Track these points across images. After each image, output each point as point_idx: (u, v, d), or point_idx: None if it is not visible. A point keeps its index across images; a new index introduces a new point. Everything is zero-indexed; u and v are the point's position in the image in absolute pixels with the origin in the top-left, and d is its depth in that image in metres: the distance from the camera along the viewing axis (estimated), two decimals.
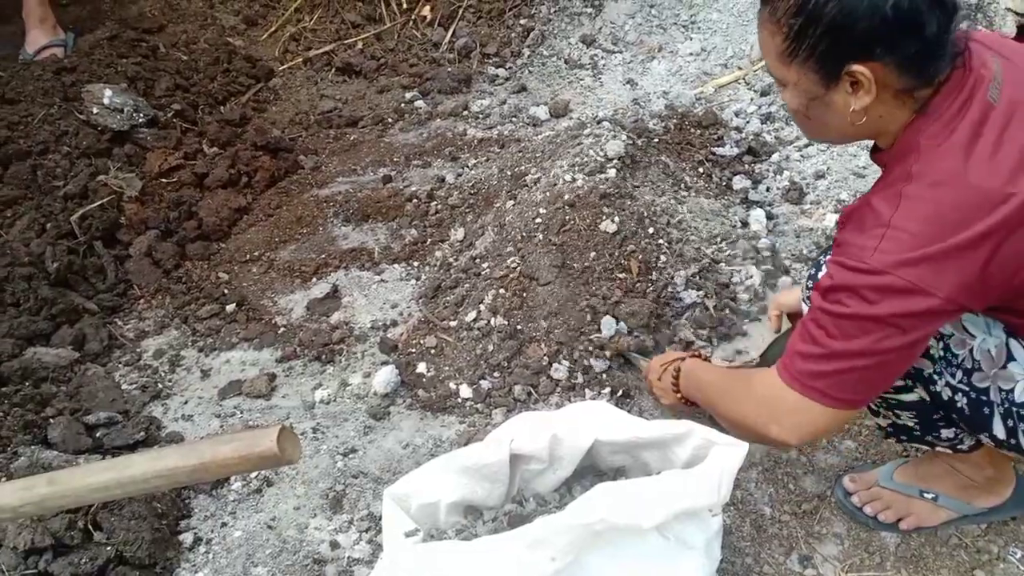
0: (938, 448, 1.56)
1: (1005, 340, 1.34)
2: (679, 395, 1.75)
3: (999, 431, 1.37)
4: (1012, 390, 1.33)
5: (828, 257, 1.38)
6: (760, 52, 1.41)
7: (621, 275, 2.09)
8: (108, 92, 2.77)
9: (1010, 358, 1.33)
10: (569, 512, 1.29)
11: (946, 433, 1.52)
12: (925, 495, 1.67)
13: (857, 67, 1.22)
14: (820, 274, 1.46)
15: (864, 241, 1.24)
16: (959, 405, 1.39)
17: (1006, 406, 1.34)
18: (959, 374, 1.37)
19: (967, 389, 1.37)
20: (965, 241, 1.18)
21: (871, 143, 1.39)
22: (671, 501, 1.32)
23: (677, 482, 1.35)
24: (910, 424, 1.53)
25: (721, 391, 1.58)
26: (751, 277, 2.20)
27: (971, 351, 1.35)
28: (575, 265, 2.09)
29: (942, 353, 1.38)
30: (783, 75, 1.31)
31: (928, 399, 1.44)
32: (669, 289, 2.12)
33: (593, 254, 2.10)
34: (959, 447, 1.54)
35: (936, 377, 1.39)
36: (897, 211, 1.22)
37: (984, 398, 1.36)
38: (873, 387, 1.34)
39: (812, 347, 1.30)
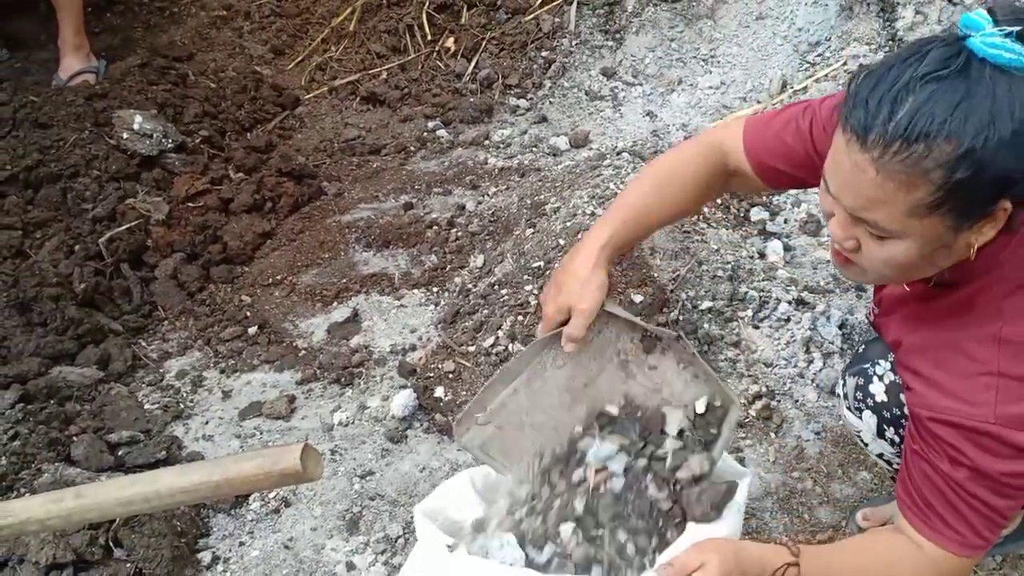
0: None
1: None
2: None
3: None
4: None
5: (918, 407, 1.24)
6: (852, 196, 1.14)
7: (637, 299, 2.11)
8: (138, 118, 2.84)
9: None
10: None
11: None
12: None
13: (1006, 204, 1.08)
14: (851, 389, 1.44)
15: (973, 395, 1.16)
16: None
17: None
18: None
19: None
20: None
21: None
22: None
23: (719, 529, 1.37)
24: None
25: None
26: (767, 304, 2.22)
27: None
28: None
29: None
30: (903, 228, 1.11)
31: None
32: (683, 317, 2.14)
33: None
34: None
35: None
36: (1002, 358, 1.15)
37: None
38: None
39: (981, 517, 1.20)
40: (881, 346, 1.45)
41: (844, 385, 1.52)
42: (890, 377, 1.41)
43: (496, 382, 1.57)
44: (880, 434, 1.43)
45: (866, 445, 1.49)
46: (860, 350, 1.54)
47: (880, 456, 1.48)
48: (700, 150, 1.53)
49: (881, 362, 1.43)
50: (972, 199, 1.07)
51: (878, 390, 1.41)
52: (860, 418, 1.46)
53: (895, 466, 1.45)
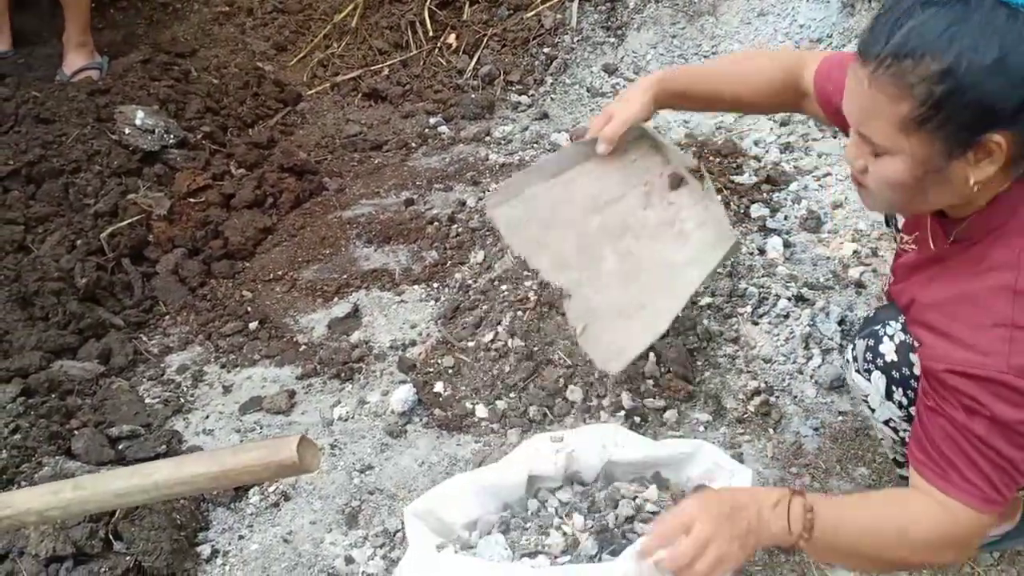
0: None
1: None
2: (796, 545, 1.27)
3: None
4: None
5: (932, 361, 1.26)
6: (855, 111, 1.22)
7: None
8: (140, 114, 2.85)
9: None
10: (622, 559, 1.32)
11: None
12: None
13: (997, 136, 1.11)
14: (860, 351, 1.45)
15: (987, 346, 1.17)
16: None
17: None
18: None
19: None
20: None
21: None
22: None
23: None
24: None
25: (874, 543, 1.28)
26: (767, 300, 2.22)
27: None
28: None
29: None
30: (895, 144, 1.17)
31: None
32: (682, 312, 2.15)
33: None
34: None
35: None
36: (1017, 309, 1.16)
37: None
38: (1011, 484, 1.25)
39: (997, 470, 1.21)
40: (893, 309, 1.45)
41: (853, 349, 1.51)
42: (900, 337, 1.40)
43: (532, 173, 1.75)
44: (888, 395, 1.42)
45: (873, 411, 1.47)
46: (871, 315, 1.54)
47: (887, 423, 1.46)
48: (785, 59, 1.66)
49: (891, 323, 1.42)
50: (955, 122, 1.12)
51: (888, 350, 1.40)
52: (869, 380, 1.44)
53: (901, 434, 1.44)
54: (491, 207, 1.81)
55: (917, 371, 1.34)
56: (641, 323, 1.68)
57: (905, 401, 1.40)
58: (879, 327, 1.45)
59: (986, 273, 1.22)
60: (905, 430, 1.43)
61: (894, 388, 1.41)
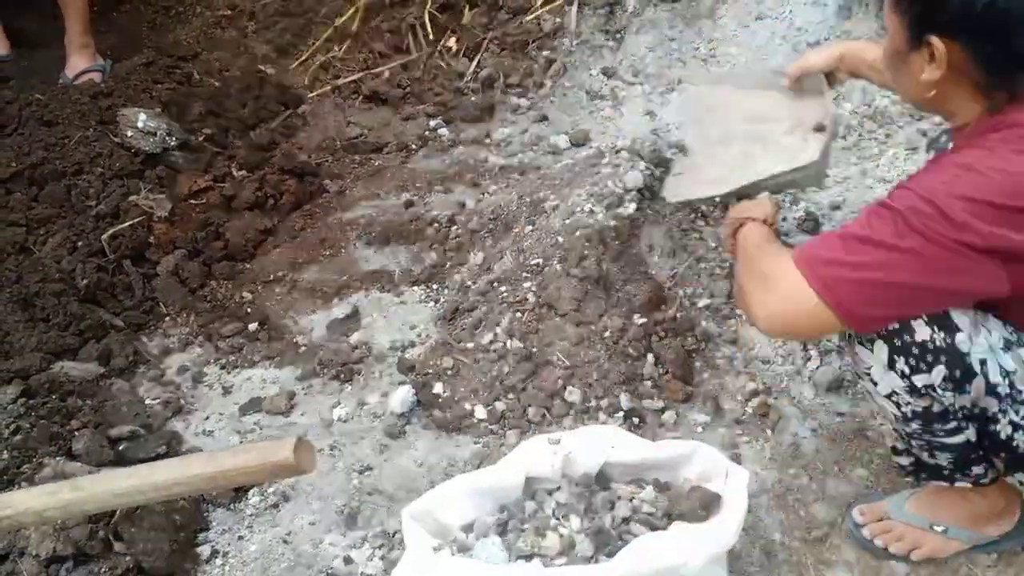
0: (958, 484, 1.58)
1: None
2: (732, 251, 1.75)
3: None
4: None
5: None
6: None
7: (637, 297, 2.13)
8: (142, 116, 2.86)
9: None
10: (618, 560, 1.33)
11: (977, 470, 1.53)
12: (935, 527, 1.66)
13: (935, 40, 1.30)
14: None
15: (936, 175, 1.31)
16: (1015, 443, 1.41)
17: None
18: (1022, 410, 1.39)
19: None
20: None
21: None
22: (705, 547, 1.39)
23: (711, 527, 1.42)
24: (943, 464, 1.54)
25: (747, 262, 1.57)
26: None
27: None
28: (592, 300, 2.13)
29: (1008, 390, 1.38)
30: (889, 21, 1.39)
31: (975, 440, 1.46)
32: (681, 313, 2.15)
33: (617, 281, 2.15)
34: (982, 480, 1.55)
35: (1000, 416, 1.40)
36: (976, 160, 1.29)
37: None
38: (875, 302, 1.33)
39: (842, 239, 1.34)
40: None
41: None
42: None
43: (732, 78, 2.46)
44: (891, 364, 1.42)
45: (875, 385, 1.47)
46: None
47: (889, 397, 1.46)
48: None
49: None
50: (911, 13, 1.33)
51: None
52: (871, 351, 1.44)
53: (903, 408, 1.45)
54: (693, 83, 2.44)
55: (918, 338, 1.36)
56: (710, 186, 2.10)
57: (907, 370, 1.40)
58: None
59: (952, 154, 1.39)
60: (907, 403, 1.44)
61: (896, 357, 1.41)
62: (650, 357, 2.08)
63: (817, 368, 2.09)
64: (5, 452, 1.91)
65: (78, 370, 2.22)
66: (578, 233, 2.22)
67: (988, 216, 1.24)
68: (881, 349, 1.42)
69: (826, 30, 3.02)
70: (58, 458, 1.93)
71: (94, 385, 2.20)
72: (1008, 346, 1.38)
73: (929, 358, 1.37)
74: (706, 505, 1.47)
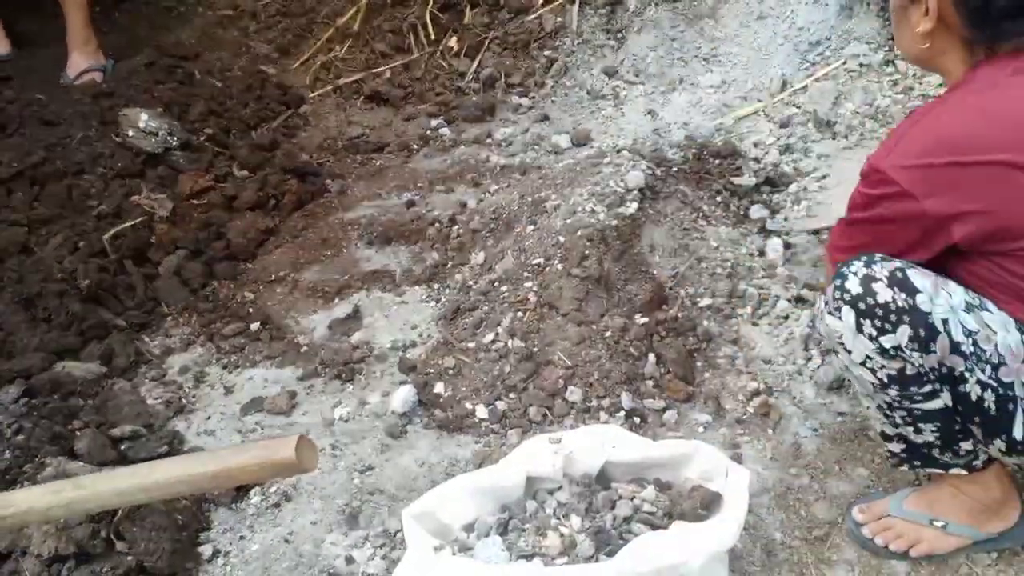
0: (952, 471, 1.58)
1: (1020, 338, 1.42)
2: None
3: (1018, 432, 1.44)
4: None
5: None
6: None
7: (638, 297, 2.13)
8: (144, 116, 2.86)
9: None
10: (619, 559, 1.33)
11: (965, 446, 1.54)
12: (935, 523, 1.67)
13: None
14: (829, 294, 1.55)
15: (886, 142, 1.45)
16: (986, 404, 1.44)
17: None
18: (988, 369, 1.42)
19: (995, 385, 1.42)
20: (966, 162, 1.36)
21: None
22: (706, 546, 1.40)
23: (712, 526, 1.43)
24: (931, 439, 1.54)
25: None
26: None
27: (996, 346, 1.41)
28: (594, 300, 2.13)
29: (972, 348, 1.42)
30: None
31: (952, 405, 1.48)
32: (683, 313, 2.15)
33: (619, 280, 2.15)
34: (974, 463, 1.56)
35: (968, 375, 1.43)
36: (916, 125, 1.42)
37: (1010, 393, 1.42)
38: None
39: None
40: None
41: (824, 296, 1.56)
42: (863, 271, 1.46)
43: None
44: (859, 328, 1.46)
45: (850, 354, 1.50)
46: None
47: (864, 364, 1.49)
48: None
49: (855, 262, 1.50)
50: None
51: (852, 284, 1.46)
52: (840, 318, 1.48)
53: (879, 373, 1.48)
54: None
55: (880, 299, 1.43)
56: None
57: (874, 332, 1.44)
58: (844, 267, 1.53)
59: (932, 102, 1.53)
60: (881, 367, 1.47)
61: (862, 320, 1.45)
62: (651, 357, 2.08)
63: (818, 368, 2.09)
64: (7, 452, 1.91)
65: (80, 370, 2.22)
66: (579, 233, 2.22)
67: (920, 180, 1.39)
68: (848, 314, 1.46)
69: (827, 30, 3.02)
70: (60, 458, 1.93)
71: (96, 385, 2.21)
72: (969, 308, 1.43)
73: (893, 318, 1.42)
74: (707, 504, 1.47)
